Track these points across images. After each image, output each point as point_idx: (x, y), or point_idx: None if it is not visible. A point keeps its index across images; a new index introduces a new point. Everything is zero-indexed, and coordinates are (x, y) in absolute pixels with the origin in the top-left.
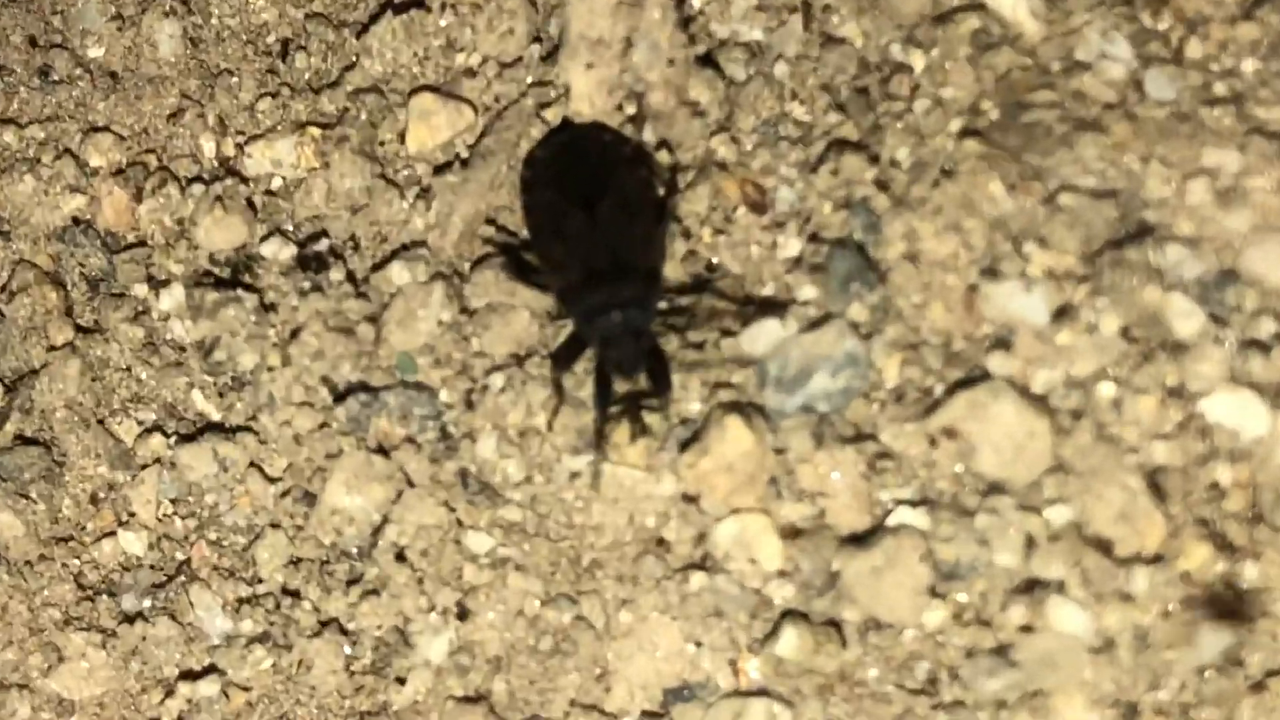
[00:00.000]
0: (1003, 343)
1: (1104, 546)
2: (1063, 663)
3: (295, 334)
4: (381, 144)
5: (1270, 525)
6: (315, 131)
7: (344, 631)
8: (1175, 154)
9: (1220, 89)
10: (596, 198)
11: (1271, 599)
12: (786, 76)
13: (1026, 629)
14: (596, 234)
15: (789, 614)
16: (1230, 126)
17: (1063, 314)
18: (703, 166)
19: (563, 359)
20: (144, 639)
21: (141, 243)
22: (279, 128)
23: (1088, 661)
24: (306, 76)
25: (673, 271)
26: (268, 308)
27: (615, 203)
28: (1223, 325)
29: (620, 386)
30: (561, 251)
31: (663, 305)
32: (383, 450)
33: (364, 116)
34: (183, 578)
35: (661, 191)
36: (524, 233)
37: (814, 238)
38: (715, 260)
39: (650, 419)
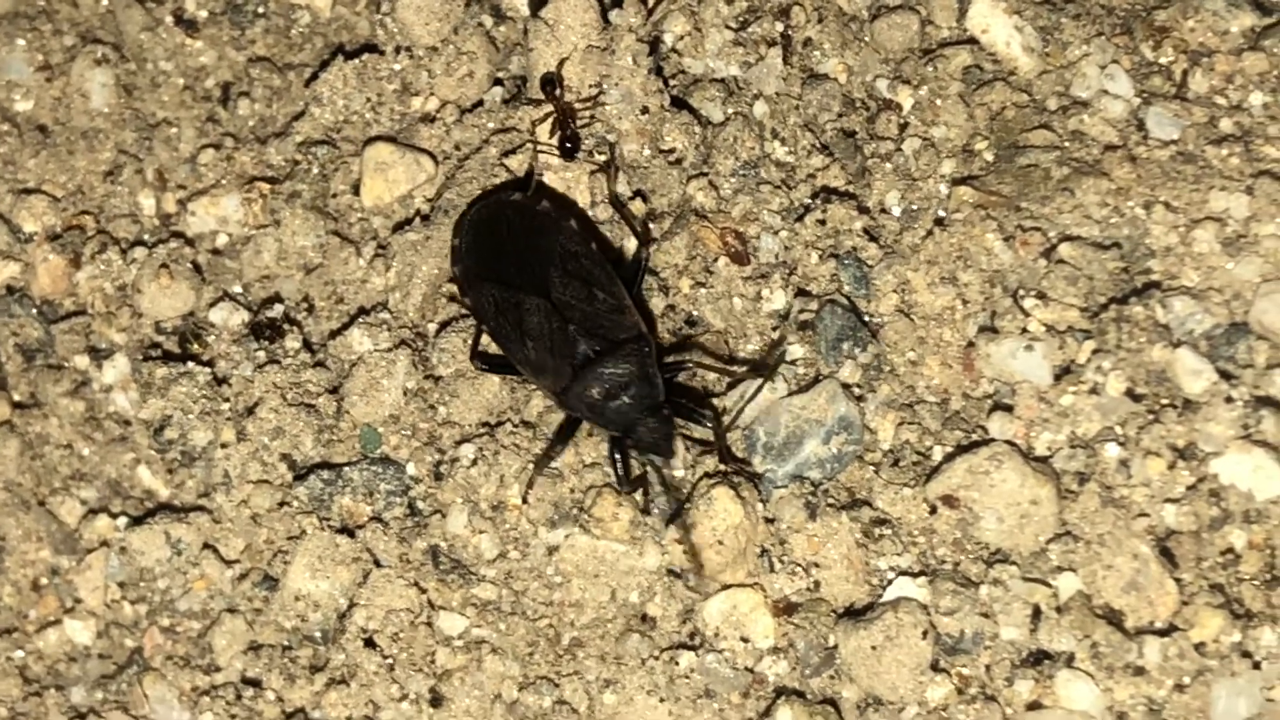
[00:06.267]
0: (1003, 404)
1: (1114, 617)
2: None
3: (251, 410)
4: (334, 196)
5: None
6: (264, 186)
7: None
8: (1180, 199)
9: (1226, 125)
10: (543, 274)
11: None
12: (766, 116)
13: (1035, 705)
14: (562, 319)
15: (783, 693)
16: (1237, 167)
17: (1065, 373)
18: (679, 214)
19: (561, 438)
20: None
21: (81, 311)
22: (224, 182)
23: None
24: (251, 124)
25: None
26: (220, 380)
27: (565, 274)
28: (1233, 382)
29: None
30: (534, 350)
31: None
32: (347, 530)
33: (315, 169)
34: (135, 668)
35: (631, 242)
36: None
37: (801, 291)
38: (695, 313)
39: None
